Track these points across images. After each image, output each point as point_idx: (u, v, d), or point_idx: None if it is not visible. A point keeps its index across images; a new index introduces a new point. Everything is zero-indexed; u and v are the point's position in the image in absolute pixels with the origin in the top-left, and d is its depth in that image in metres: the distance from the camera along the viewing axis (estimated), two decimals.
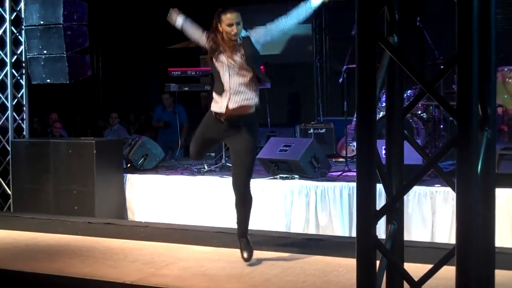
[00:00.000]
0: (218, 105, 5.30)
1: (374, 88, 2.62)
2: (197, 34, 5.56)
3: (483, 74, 2.58)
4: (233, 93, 5.22)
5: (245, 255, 5.37)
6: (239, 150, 5.28)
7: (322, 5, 5.30)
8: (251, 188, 5.40)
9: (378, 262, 2.80)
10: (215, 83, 5.37)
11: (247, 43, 5.24)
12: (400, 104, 2.89)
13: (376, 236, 2.66)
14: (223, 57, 5.25)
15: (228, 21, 5.15)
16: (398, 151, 2.90)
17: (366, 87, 2.63)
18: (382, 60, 2.87)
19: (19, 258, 5.93)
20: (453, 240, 6.46)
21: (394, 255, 2.85)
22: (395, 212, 2.88)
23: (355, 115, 9.37)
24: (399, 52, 2.62)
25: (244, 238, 5.45)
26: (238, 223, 5.47)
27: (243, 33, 5.28)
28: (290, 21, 5.27)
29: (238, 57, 5.21)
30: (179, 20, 5.66)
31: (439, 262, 2.69)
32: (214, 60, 5.29)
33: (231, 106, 5.24)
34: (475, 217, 2.42)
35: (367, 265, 2.64)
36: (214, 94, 5.35)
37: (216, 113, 5.34)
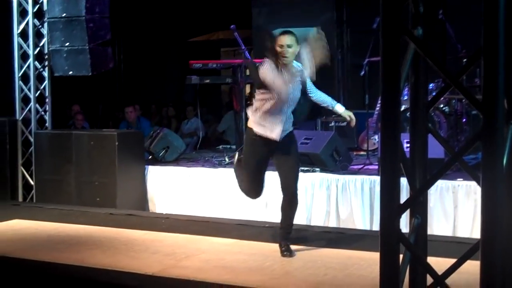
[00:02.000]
0: (267, 129, 5.37)
1: (398, 82, 2.60)
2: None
3: (508, 67, 2.55)
4: (285, 120, 5.41)
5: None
6: (287, 156, 5.45)
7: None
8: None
9: (401, 256, 2.79)
10: (261, 104, 5.38)
11: (303, 75, 5.44)
12: (424, 98, 2.87)
13: (400, 230, 2.65)
14: (281, 81, 5.32)
15: (280, 42, 5.31)
16: (422, 144, 2.88)
17: (390, 80, 2.61)
18: (406, 54, 2.84)
19: (41, 248, 5.98)
20: (475, 235, 6.43)
21: (417, 249, 2.83)
22: (419, 205, 2.87)
23: (376, 108, 9.33)
24: (424, 45, 2.60)
25: (287, 240, 5.53)
26: (281, 226, 5.55)
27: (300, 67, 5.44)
28: (320, 100, 5.67)
29: (294, 82, 5.39)
30: None
31: (463, 257, 2.67)
32: (271, 82, 5.30)
33: (282, 134, 5.41)
34: (500, 211, 2.40)
35: (391, 259, 2.62)
36: (260, 116, 5.39)
37: (265, 137, 5.40)
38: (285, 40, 5.30)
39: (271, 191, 7.35)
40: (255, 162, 5.51)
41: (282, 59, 5.30)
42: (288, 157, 5.44)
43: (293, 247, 5.55)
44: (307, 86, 5.53)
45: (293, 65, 5.39)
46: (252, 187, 5.63)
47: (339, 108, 5.67)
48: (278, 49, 5.30)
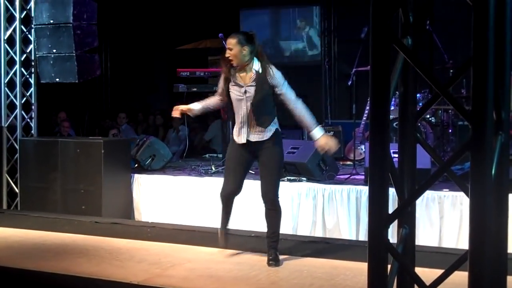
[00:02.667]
0: (236, 133, 5.43)
1: (387, 91, 2.60)
2: (216, 98, 5.62)
3: (497, 77, 2.56)
4: (249, 126, 5.34)
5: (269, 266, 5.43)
6: (266, 161, 5.37)
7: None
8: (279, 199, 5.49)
9: (389, 266, 2.78)
10: (230, 113, 5.52)
11: (263, 77, 5.29)
12: (413, 108, 2.87)
13: (388, 240, 2.64)
14: (234, 88, 5.36)
15: (226, 45, 5.32)
16: (410, 154, 2.88)
17: (380, 90, 2.61)
18: (395, 63, 2.84)
19: (26, 256, 5.93)
20: (460, 245, 6.44)
21: (405, 259, 2.83)
22: (407, 216, 2.86)
23: (363, 118, 9.35)
24: (413, 55, 2.60)
25: (273, 249, 5.47)
26: (266, 235, 5.51)
27: (256, 62, 5.33)
28: (297, 116, 5.35)
29: (251, 88, 5.31)
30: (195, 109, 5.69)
31: (451, 267, 2.67)
32: (228, 90, 5.40)
33: (247, 139, 5.36)
34: (488, 222, 2.40)
35: (379, 269, 2.62)
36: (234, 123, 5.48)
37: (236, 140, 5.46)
38: (228, 42, 5.31)
39: (257, 200, 7.35)
40: (232, 163, 5.50)
41: (231, 61, 5.30)
42: (267, 164, 5.36)
43: (279, 256, 5.53)
44: (280, 94, 5.32)
45: (253, 68, 5.30)
46: (231, 183, 5.52)
47: (316, 133, 5.30)
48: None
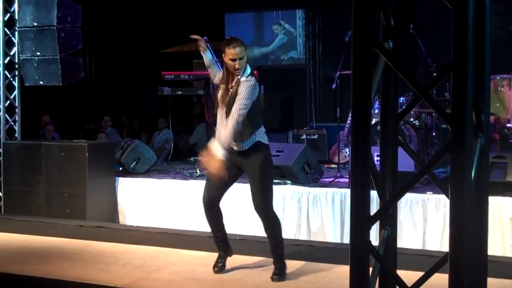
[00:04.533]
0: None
1: (369, 94, 2.62)
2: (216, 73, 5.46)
3: (477, 81, 2.58)
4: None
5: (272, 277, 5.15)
6: (250, 174, 5.08)
7: None
8: (274, 208, 5.18)
9: (371, 268, 2.80)
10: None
11: (244, 86, 4.98)
12: (394, 110, 2.89)
13: (370, 242, 2.66)
14: (220, 92, 5.12)
15: (231, 56, 4.96)
16: (392, 157, 2.90)
17: (361, 92, 2.62)
18: (377, 66, 2.86)
19: (10, 260, 5.90)
20: (444, 248, 6.47)
21: (387, 261, 2.84)
22: (388, 217, 2.88)
23: (348, 121, 9.39)
24: (394, 58, 2.62)
25: (277, 263, 5.18)
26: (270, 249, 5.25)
27: (248, 71, 5.04)
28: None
29: (229, 93, 5.04)
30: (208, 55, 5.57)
31: (432, 269, 2.68)
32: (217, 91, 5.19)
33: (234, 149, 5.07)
34: (468, 224, 2.42)
35: (360, 271, 2.63)
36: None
37: None
38: (236, 52, 4.94)
39: (241, 204, 7.36)
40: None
41: (235, 72, 4.99)
42: (251, 177, 5.07)
43: (263, 259, 5.54)
44: None
45: (243, 74, 5.01)
46: (205, 190, 5.27)
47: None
48: (230, 62, 4.97)
